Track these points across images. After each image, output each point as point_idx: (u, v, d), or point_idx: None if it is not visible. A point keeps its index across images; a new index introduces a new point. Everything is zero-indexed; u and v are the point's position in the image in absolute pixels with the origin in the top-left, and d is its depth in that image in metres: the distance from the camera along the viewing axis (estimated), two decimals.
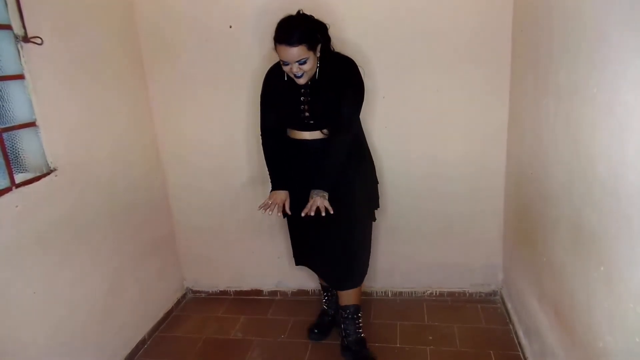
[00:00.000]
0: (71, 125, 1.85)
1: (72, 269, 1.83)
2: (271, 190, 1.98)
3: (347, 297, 2.07)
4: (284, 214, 2.00)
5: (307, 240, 2.06)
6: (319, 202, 1.78)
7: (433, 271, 2.47)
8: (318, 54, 1.77)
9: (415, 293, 2.52)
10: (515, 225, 2.13)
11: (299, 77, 1.76)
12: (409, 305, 2.45)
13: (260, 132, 2.01)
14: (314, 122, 1.87)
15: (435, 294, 2.51)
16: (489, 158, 2.25)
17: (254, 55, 2.23)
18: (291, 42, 1.66)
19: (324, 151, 1.87)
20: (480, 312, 2.36)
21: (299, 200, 1.93)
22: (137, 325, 2.27)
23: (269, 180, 2.01)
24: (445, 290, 2.50)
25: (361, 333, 2.09)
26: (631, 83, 0.99)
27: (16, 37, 1.59)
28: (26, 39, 1.61)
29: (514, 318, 2.16)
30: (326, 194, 1.81)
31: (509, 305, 2.27)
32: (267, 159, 2.01)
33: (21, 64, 1.61)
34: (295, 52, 1.67)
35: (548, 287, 1.65)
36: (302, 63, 1.71)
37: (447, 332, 2.21)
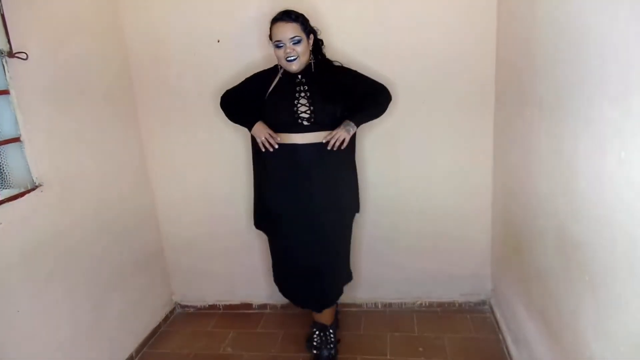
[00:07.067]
0: (57, 140, 1.83)
1: (58, 286, 1.80)
2: (251, 130, 1.91)
3: (329, 314, 2.12)
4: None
5: (295, 262, 2.01)
6: (343, 134, 1.82)
7: (422, 282, 2.47)
8: (310, 47, 1.87)
9: (404, 304, 2.52)
10: (503, 235, 2.16)
11: (291, 61, 1.80)
12: (398, 317, 2.45)
13: (221, 99, 2.05)
14: (310, 121, 1.83)
15: (425, 304, 2.51)
16: (477, 172, 2.28)
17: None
18: (288, 18, 1.78)
19: (318, 161, 1.86)
20: (470, 322, 2.36)
21: (290, 222, 1.95)
22: (124, 341, 2.23)
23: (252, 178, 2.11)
24: (435, 300, 2.51)
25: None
26: (611, 99, 1.02)
27: (1, 52, 1.58)
28: (11, 54, 1.60)
29: (503, 327, 2.17)
30: (352, 129, 1.85)
31: (498, 315, 2.28)
32: (230, 108, 2.02)
33: (6, 80, 1.60)
34: (291, 28, 1.77)
35: (536, 296, 1.67)
36: (296, 42, 1.78)
37: (437, 343, 2.21)
